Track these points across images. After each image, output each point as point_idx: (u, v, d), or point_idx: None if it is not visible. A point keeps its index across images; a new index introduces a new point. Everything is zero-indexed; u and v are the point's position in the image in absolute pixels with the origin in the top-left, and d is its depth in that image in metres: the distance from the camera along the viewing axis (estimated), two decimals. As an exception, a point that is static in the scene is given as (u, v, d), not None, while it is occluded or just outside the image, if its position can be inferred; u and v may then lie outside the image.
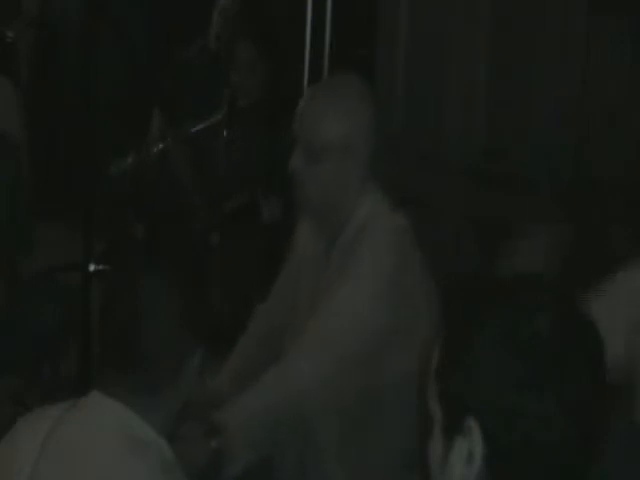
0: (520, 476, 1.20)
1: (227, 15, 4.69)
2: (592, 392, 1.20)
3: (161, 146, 3.95)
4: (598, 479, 1.25)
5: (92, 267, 3.40)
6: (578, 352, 1.20)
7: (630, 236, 3.37)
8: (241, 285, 3.69)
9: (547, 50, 3.65)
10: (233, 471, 2.21)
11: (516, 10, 3.78)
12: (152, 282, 1.70)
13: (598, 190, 3.54)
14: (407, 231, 2.41)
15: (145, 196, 4.64)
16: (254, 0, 4.94)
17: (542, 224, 3.67)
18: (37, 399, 1.89)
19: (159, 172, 4.02)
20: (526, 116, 3.76)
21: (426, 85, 4.19)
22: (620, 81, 3.48)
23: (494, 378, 1.19)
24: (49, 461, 1.67)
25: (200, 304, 1.76)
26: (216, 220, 4.02)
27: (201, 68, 4.66)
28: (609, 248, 3.44)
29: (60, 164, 5.36)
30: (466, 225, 4.04)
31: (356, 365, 2.30)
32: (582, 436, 1.20)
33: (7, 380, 2.98)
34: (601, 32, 3.50)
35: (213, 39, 4.73)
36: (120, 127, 5.18)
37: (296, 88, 4.28)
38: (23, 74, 5.48)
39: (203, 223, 4.03)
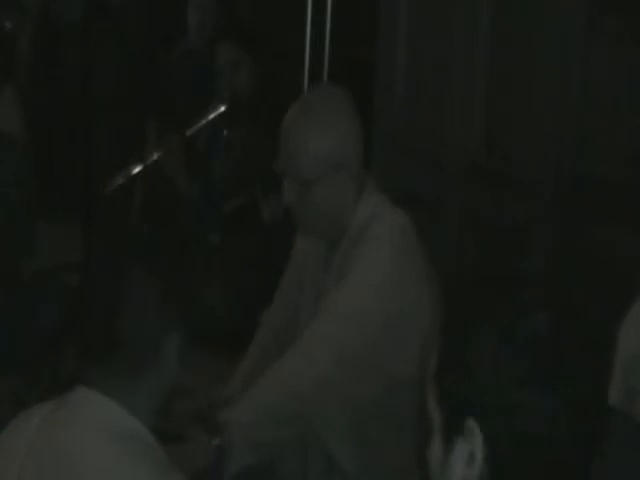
0: (520, 476, 1.20)
1: (203, 12, 4.70)
2: (592, 392, 1.21)
3: (158, 149, 3.95)
4: (598, 479, 1.25)
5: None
6: (578, 352, 1.20)
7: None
8: (241, 285, 3.69)
9: (547, 50, 3.65)
10: (234, 470, 2.21)
11: (516, 10, 3.78)
12: (131, 267, 1.72)
13: (598, 190, 3.54)
14: (409, 230, 2.40)
15: (145, 198, 4.65)
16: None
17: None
18: (37, 399, 1.90)
19: (158, 174, 4.03)
20: (526, 116, 3.76)
21: (426, 85, 4.19)
22: (620, 81, 3.48)
23: (494, 378, 1.19)
24: (38, 463, 1.67)
25: (179, 287, 1.76)
26: (216, 220, 4.02)
27: (191, 68, 4.67)
28: (609, 248, 3.44)
29: (60, 164, 5.36)
30: (466, 224, 4.04)
31: (356, 365, 2.30)
32: (582, 436, 1.20)
33: (7, 380, 2.98)
34: (601, 32, 3.50)
35: (193, 38, 4.74)
36: (120, 127, 5.19)
37: (296, 88, 4.28)
38: (23, 74, 5.48)
39: (203, 223, 4.04)
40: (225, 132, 4.07)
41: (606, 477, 1.31)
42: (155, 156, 3.89)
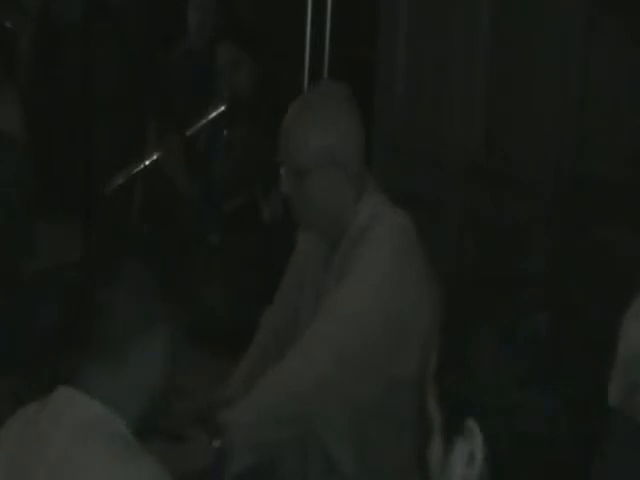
0: (520, 476, 1.20)
1: (203, 12, 4.71)
2: (592, 392, 1.21)
3: (158, 149, 3.95)
4: (598, 479, 1.25)
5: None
6: (578, 352, 1.20)
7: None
8: (241, 285, 3.69)
9: (547, 50, 3.65)
10: (234, 470, 2.21)
11: (516, 10, 3.78)
12: (120, 265, 1.73)
13: (598, 190, 3.54)
14: (409, 230, 2.40)
15: (145, 198, 4.65)
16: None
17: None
18: (37, 399, 1.90)
19: (158, 174, 4.03)
20: (526, 116, 3.76)
21: (426, 85, 4.19)
22: (620, 81, 3.48)
23: (494, 378, 1.19)
24: (20, 464, 1.67)
25: (168, 286, 1.76)
26: (216, 220, 4.02)
27: (191, 68, 4.67)
28: (609, 249, 3.44)
29: (60, 164, 5.36)
30: (466, 224, 4.04)
31: (356, 365, 2.29)
32: (582, 436, 1.20)
33: (7, 380, 2.98)
34: (601, 32, 3.50)
35: (193, 38, 4.74)
36: (120, 127, 5.19)
37: (296, 88, 4.28)
38: (23, 74, 5.47)
39: (203, 223, 4.03)
40: (225, 132, 4.06)
41: (606, 477, 1.31)
42: (155, 156, 3.89)
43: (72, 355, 1.74)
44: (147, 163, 3.87)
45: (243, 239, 3.91)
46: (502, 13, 3.83)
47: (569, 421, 1.18)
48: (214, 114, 3.95)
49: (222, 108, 3.94)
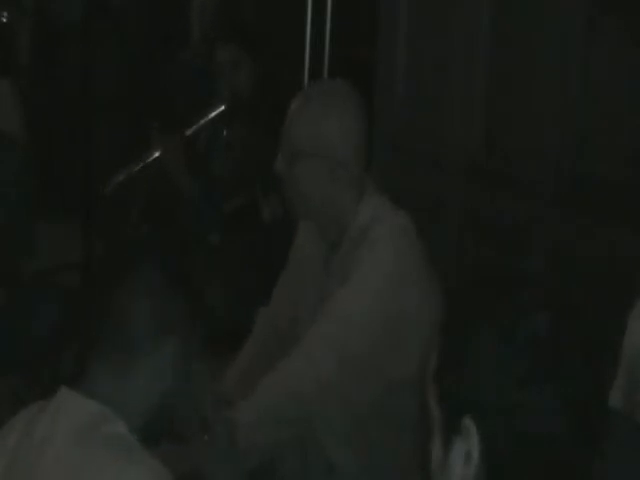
0: (520, 476, 1.20)
1: (205, 14, 4.72)
2: (592, 392, 1.21)
3: (158, 149, 3.95)
4: (598, 479, 1.25)
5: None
6: (578, 352, 1.20)
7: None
8: (241, 285, 3.69)
9: (547, 50, 3.65)
10: (235, 470, 2.21)
11: (516, 10, 3.78)
12: (127, 268, 1.71)
13: (598, 190, 3.54)
14: (410, 230, 2.40)
15: (145, 198, 4.65)
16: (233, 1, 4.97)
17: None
18: (37, 399, 1.90)
19: (158, 174, 4.03)
20: (526, 116, 3.76)
21: (426, 85, 4.19)
22: (620, 81, 3.48)
23: (494, 378, 1.19)
24: (16, 467, 1.67)
25: (178, 291, 1.75)
26: (216, 220, 4.02)
27: (191, 68, 4.67)
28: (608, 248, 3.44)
29: (60, 164, 5.36)
30: (466, 224, 4.04)
31: (357, 365, 2.30)
32: (582, 436, 1.20)
33: (7, 380, 2.99)
34: (601, 32, 3.50)
35: (197, 42, 4.75)
36: (120, 127, 5.19)
37: (296, 88, 4.27)
38: (23, 74, 5.48)
39: (203, 223, 4.04)
40: (225, 132, 4.07)
41: (606, 477, 1.31)
42: (155, 156, 3.89)
43: (81, 355, 1.73)
44: (147, 163, 3.87)
45: (243, 239, 3.91)
46: (502, 13, 3.83)
47: (569, 421, 1.18)
48: (214, 114, 3.95)
49: (222, 108, 3.94)
